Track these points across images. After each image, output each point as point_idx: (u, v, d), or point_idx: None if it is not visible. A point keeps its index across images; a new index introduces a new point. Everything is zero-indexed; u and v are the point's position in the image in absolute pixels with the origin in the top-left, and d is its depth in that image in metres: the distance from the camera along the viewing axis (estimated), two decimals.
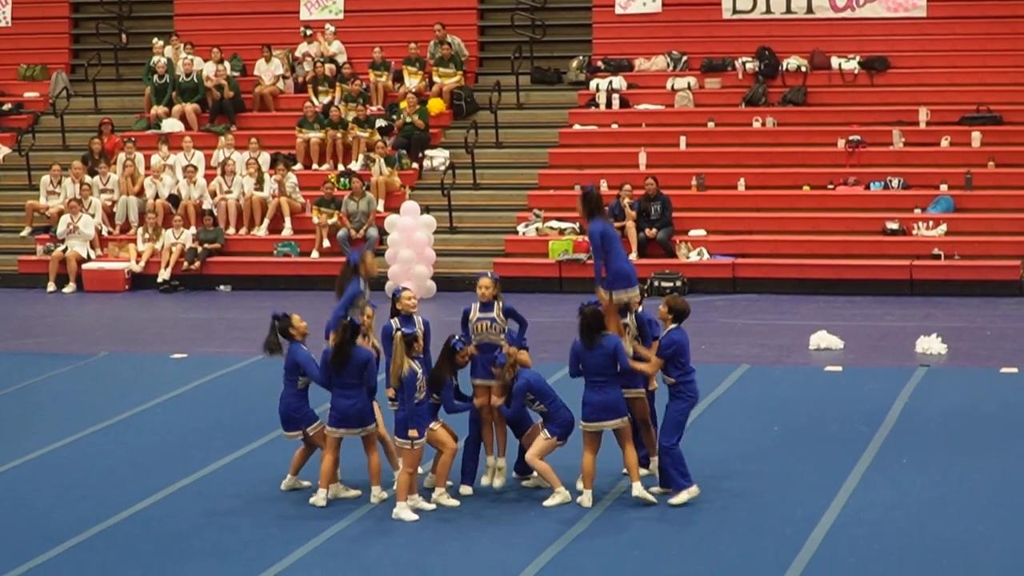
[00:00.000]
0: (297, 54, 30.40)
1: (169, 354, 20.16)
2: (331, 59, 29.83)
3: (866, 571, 11.40)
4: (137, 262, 26.64)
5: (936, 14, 28.35)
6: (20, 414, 17.25)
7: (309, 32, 30.33)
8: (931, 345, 19.32)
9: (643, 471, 13.40)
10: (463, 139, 27.87)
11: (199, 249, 26.60)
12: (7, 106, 31.45)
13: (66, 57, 32.47)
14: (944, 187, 25.62)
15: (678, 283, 23.92)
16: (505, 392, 13.34)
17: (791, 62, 28.37)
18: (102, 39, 32.12)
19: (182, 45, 30.33)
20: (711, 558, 11.74)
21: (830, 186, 26.11)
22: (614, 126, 28.04)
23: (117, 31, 32.17)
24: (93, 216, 27.21)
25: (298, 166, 28.12)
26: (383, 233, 25.42)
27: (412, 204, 25.17)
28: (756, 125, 27.60)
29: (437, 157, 27.89)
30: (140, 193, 27.84)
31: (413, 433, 12.81)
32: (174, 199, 27.47)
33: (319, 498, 13.22)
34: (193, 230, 26.92)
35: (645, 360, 13.21)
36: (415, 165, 27.88)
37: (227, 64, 30.12)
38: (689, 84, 28.58)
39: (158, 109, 29.83)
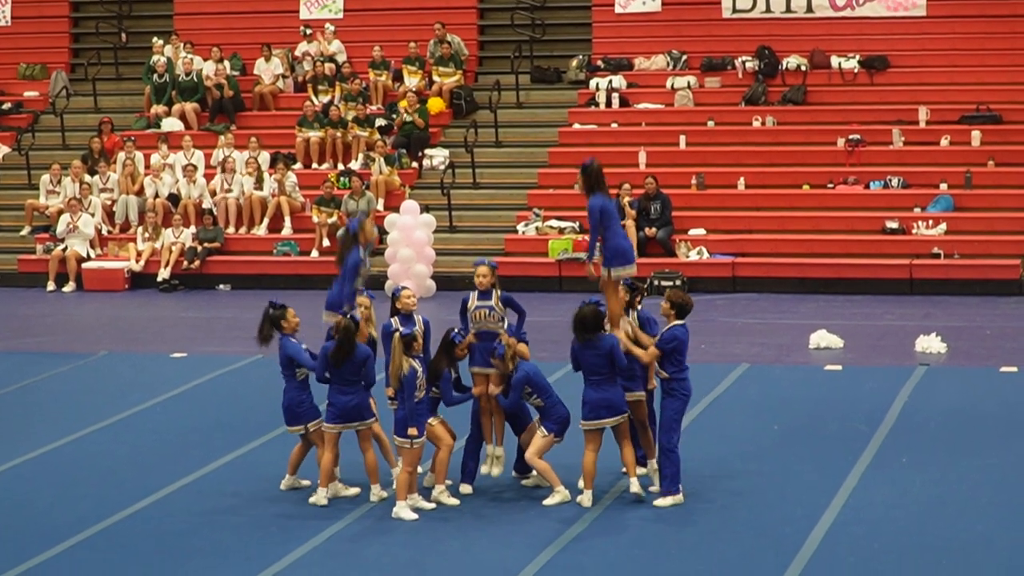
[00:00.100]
0: (297, 53, 30.41)
1: (169, 353, 20.16)
2: (331, 58, 29.83)
3: (866, 570, 11.40)
4: (137, 261, 26.65)
5: (936, 13, 28.37)
6: (20, 413, 17.25)
7: (309, 31, 30.33)
8: (931, 344, 19.33)
9: (640, 469, 13.38)
10: (463, 138, 27.88)
11: (199, 248, 26.61)
12: (7, 105, 31.46)
13: (66, 56, 32.49)
14: (944, 186, 25.63)
15: (678, 282, 23.92)
16: (503, 382, 13.33)
17: (791, 61, 28.39)
18: (102, 38, 32.13)
19: (182, 44, 30.33)
20: (711, 557, 11.73)
21: (830, 185, 26.11)
22: (614, 125, 28.04)
23: (117, 30, 32.18)
24: (93, 215, 27.21)
25: (298, 165, 28.13)
26: (383, 232, 25.41)
27: (412, 203, 25.18)
28: (756, 124, 27.61)
29: (437, 156, 27.90)
30: (140, 192, 27.85)
31: (413, 432, 12.80)
32: (174, 198, 27.47)
33: (319, 497, 13.22)
34: (193, 229, 26.93)
35: (644, 347, 13.13)
36: (415, 164, 27.89)
37: (227, 63, 30.12)
38: (689, 83, 28.59)
39: (158, 108, 29.84)
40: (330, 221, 26.13)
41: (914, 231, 24.86)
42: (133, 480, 14.09)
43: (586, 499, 13.02)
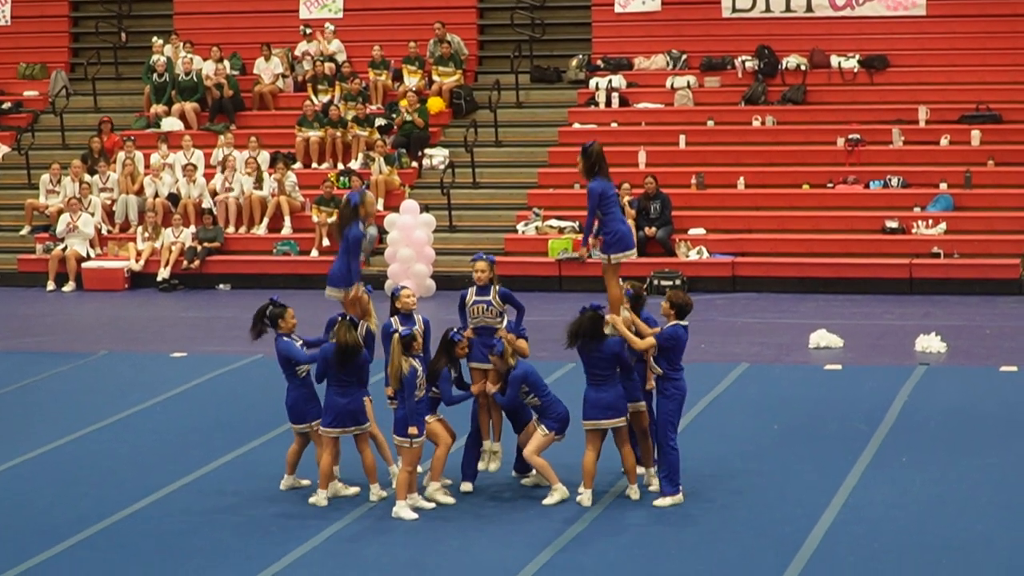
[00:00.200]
0: (297, 53, 30.40)
1: (169, 353, 20.16)
2: (331, 58, 29.83)
3: (866, 569, 11.40)
4: (137, 261, 26.65)
5: (935, 13, 28.36)
6: (20, 413, 17.25)
7: (309, 31, 30.33)
8: (930, 343, 19.33)
9: (640, 469, 13.38)
10: (463, 138, 27.88)
11: (199, 248, 26.61)
12: (7, 105, 31.45)
13: (66, 56, 32.48)
14: (943, 186, 25.63)
15: (677, 282, 23.92)
16: (501, 380, 13.32)
17: (791, 61, 28.38)
18: (102, 38, 32.11)
19: (182, 44, 30.33)
20: (711, 557, 11.73)
21: (830, 185, 26.11)
22: (614, 125, 28.04)
23: (117, 30, 32.17)
24: (93, 215, 27.21)
25: (298, 165, 28.13)
26: (383, 232, 25.41)
27: (412, 203, 25.18)
28: (756, 124, 27.61)
29: (436, 156, 27.90)
30: (140, 192, 27.85)
31: (413, 431, 12.80)
32: (174, 198, 27.47)
33: (320, 498, 13.22)
34: (192, 229, 26.93)
35: (642, 337, 13.09)
36: (414, 164, 27.89)
37: (226, 63, 30.12)
38: (689, 83, 28.59)
39: (158, 108, 29.84)
40: (330, 221, 26.11)
41: (914, 231, 24.85)
42: (133, 480, 14.09)
43: (586, 498, 13.02)
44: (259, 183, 27.31)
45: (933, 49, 28.27)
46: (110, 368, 19.47)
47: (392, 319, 13.31)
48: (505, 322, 13.41)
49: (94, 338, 21.90)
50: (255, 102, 30.01)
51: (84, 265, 26.60)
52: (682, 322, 13.02)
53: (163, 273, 26.42)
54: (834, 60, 28.29)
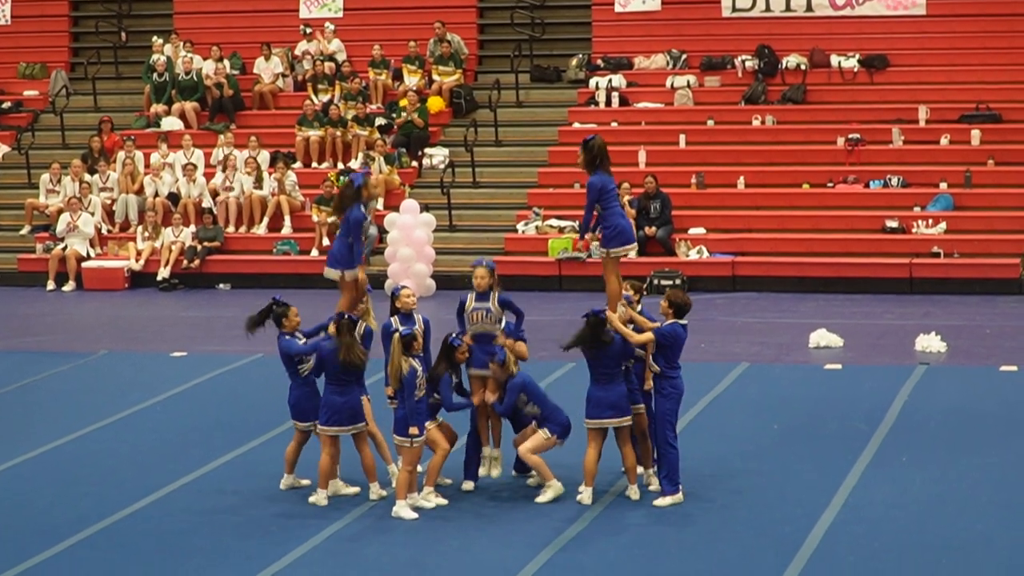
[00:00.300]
0: (297, 52, 30.40)
1: (169, 352, 20.16)
2: (331, 57, 29.83)
3: (866, 569, 11.40)
4: (137, 260, 26.65)
5: (935, 12, 28.36)
6: (20, 412, 17.25)
7: (309, 30, 30.33)
8: (931, 343, 19.33)
9: (640, 469, 13.39)
10: (463, 137, 27.88)
11: (199, 247, 26.61)
12: (7, 104, 31.46)
13: (66, 55, 32.48)
14: (944, 185, 25.63)
15: (677, 281, 23.92)
16: (500, 388, 13.32)
17: (791, 60, 28.38)
18: (102, 37, 32.11)
19: (182, 43, 30.33)
20: (711, 557, 11.73)
21: (830, 184, 26.11)
22: (614, 124, 28.03)
23: (117, 29, 32.17)
24: (93, 214, 27.21)
25: (298, 164, 28.13)
26: (383, 231, 25.41)
27: (412, 202, 25.18)
28: (756, 123, 27.61)
29: (436, 155, 27.90)
30: (140, 191, 27.85)
31: (413, 431, 12.80)
32: (174, 197, 27.48)
33: (319, 498, 13.22)
34: (193, 228, 26.93)
35: (641, 331, 13.09)
36: (415, 163, 27.89)
37: (227, 62, 30.12)
38: (689, 82, 28.59)
39: (158, 107, 29.84)
40: (330, 220, 26.12)
41: (914, 230, 24.85)
42: (133, 479, 14.10)
43: (586, 496, 13.02)
44: (259, 183, 27.31)
45: (933, 49, 28.27)
46: (110, 368, 19.48)
47: (392, 319, 13.31)
48: (504, 324, 13.37)
49: (94, 338, 21.90)
50: (255, 101, 30.01)
51: (84, 265, 26.60)
52: (681, 321, 13.02)
53: (163, 273, 26.43)
54: (834, 60, 28.29)
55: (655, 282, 23.58)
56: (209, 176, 27.77)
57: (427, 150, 28.03)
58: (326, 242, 26.07)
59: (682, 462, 13.04)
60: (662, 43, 29.40)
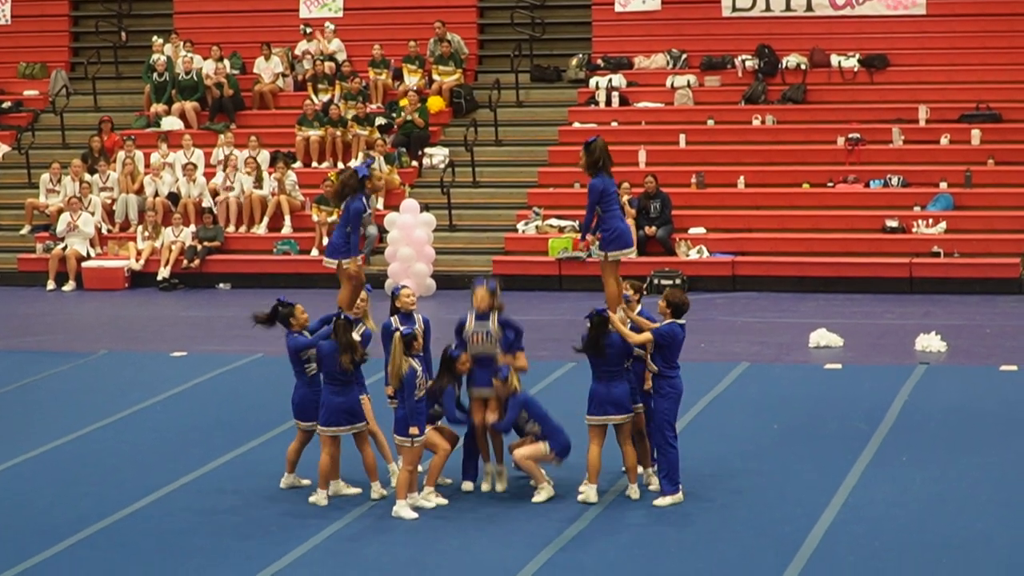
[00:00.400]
0: (297, 52, 30.40)
1: (169, 352, 20.16)
2: (331, 57, 29.83)
3: (866, 569, 11.40)
4: (137, 260, 26.65)
5: (935, 12, 28.36)
6: (20, 412, 17.26)
7: (309, 30, 30.33)
8: (931, 343, 19.33)
9: (640, 469, 13.39)
10: (463, 137, 27.87)
11: (199, 247, 26.61)
12: (7, 104, 31.46)
13: (66, 55, 32.49)
14: (944, 185, 25.63)
15: (677, 281, 23.92)
16: (500, 407, 13.29)
17: (791, 60, 28.38)
18: (102, 37, 32.12)
19: (182, 43, 30.33)
20: (711, 557, 11.73)
21: (830, 184, 26.11)
22: (614, 124, 28.03)
23: (117, 29, 32.17)
24: (93, 214, 27.21)
25: (298, 164, 28.13)
26: (383, 231, 25.42)
27: (412, 202, 25.18)
28: (756, 123, 27.61)
29: (437, 155, 27.90)
30: (140, 191, 27.86)
31: (414, 431, 12.80)
32: (174, 197, 27.48)
33: (319, 497, 13.22)
34: (193, 228, 26.93)
35: (640, 331, 13.09)
36: (415, 163, 27.90)
37: (227, 62, 30.12)
38: (689, 82, 28.59)
39: (158, 107, 29.84)
40: (330, 220, 26.12)
41: (914, 230, 24.85)
42: (133, 479, 14.10)
43: (592, 494, 13.01)
44: (259, 182, 27.31)
45: (933, 48, 28.27)
46: (110, 367, 19.48)
47: (392, 318, 13.31)
48: (502, 339, 13.28)
49: (94, 337, 21.90)
50: (255, 101, 30.02)
51: (84, 264, 26.60)
52: (679, 321, 13.03)
53: (163, 272, 26.43)
54: (834, 59, 28.29)
55: (655, 282, 23.56)
56: (209, 176, 27.77)
57: (427, 150, 28.03)
58: (326, 241, 26.01)
59: (682, 462, 13.04)
60: (662, 43, 29.40)
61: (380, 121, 28.40)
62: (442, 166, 27.59)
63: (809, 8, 28.85)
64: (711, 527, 12.42)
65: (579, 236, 24.80)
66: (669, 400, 12.98)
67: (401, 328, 12.97)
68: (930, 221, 24.84)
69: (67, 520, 12.89)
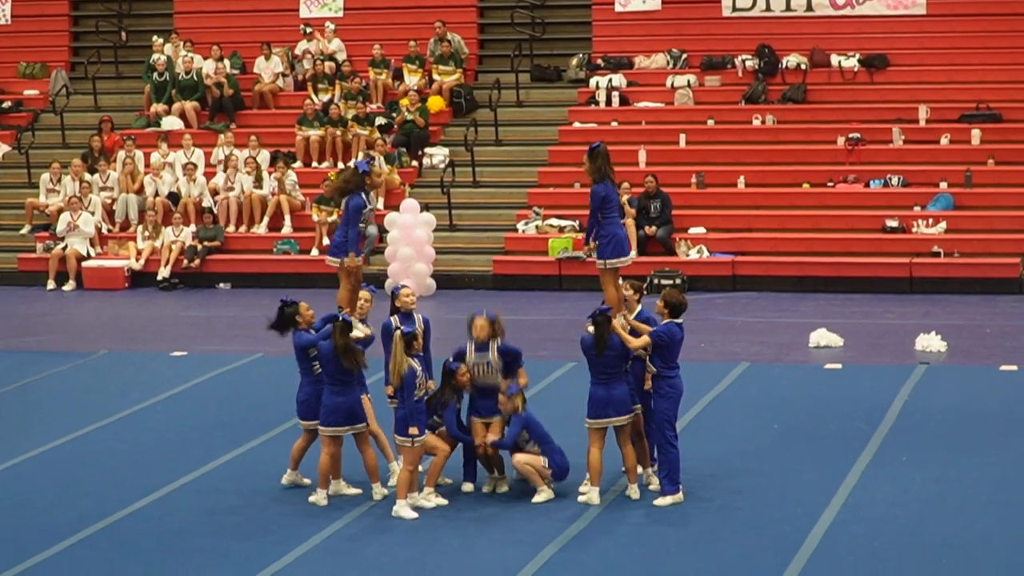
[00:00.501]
0: (297, 52, 30.39)
1: (169, 352, 20.16)
2: (331, 57, 29.83)
3: (866, 569, 11.40)
4: (137, 260, 26.64)
5: (936, 12, 28.35)
6: (20, 412, 17.26)
7: (309, 30, 30.33)
8: (931, 343, 19.33)
9: (639, 469, 13.39)
10: (463, 137, 27.87)
11: (199, 247, 26.60)
12: (7, 104, 31.45)
13: (66, 55, 32.48)
14: (944, 185, 25.62)
15: (678, 280, 23.92)
16: (501, 428, 13.29)
17: (791, 60, 28.38)
18: (102, 37, 32.11)
19: (182, 43, 30.33)
20: (711, 557, 11.74)
21: (830, 184, 26.10)
22: (614, 124, 28.03)
23: (117, 29, 32.17)
24: (93, 214, 27.21)
25: (298, 164, 28.13)
26: (383, 231, 25.41)
27: (412, 202, 25.18)
28: (756, 123, 27.61)
29: (437, 155, 27.90)
30: (140, 191, 27.85)
31: (414, 431, 12.80)
32: (174, 197, 27.48)
33: (319, 497, 13.22)
34: (193, 228, 26.92)
35: (638, 335, 13.11)
36: (415, 163, 27.89)
37: (227, 62, 30.12)
38: (689, 82, 28.58)
39: (158, 107, 29.84)
40: (330, 220, 26.12)
41: (914, 230, 24.84)
42: (133, 479, 14.10)
43: (594, 496, 13.01)
44: (259, 182, 27.31)
45: (933, 48, 28.26)
46: (110, 367, 19.48)
47: (392, 318, 13.31)
48: (508, 388, 13.27)
49: (94, 337, 21.90)
50: (255, 101, 30.02)
51: (84, 264, 26.60)
52: (677, 320, 13.04)
53: (163, 272, 26.42)
54: (834, 59, 28.29)
55: (655, 282, 23.55)
56: (209, 176, 27.77)
57: (427, 149, 28.03)
58: (326, 241, 26.04)
59: (682, 462, 13.04)
60: (662, 43, 29.39)
61: (380, 121, 28.40)
62: (442, 166, 27.59)
63: (809, 8, 28.85)
64: (711, 527, 12.43)
65: (579, 237, 24.94)
66: (669, 400, 12.99)
67: (401, 327, 12.97)
68: (930, 221, 24.83)
69: (67, 520, 12.89)
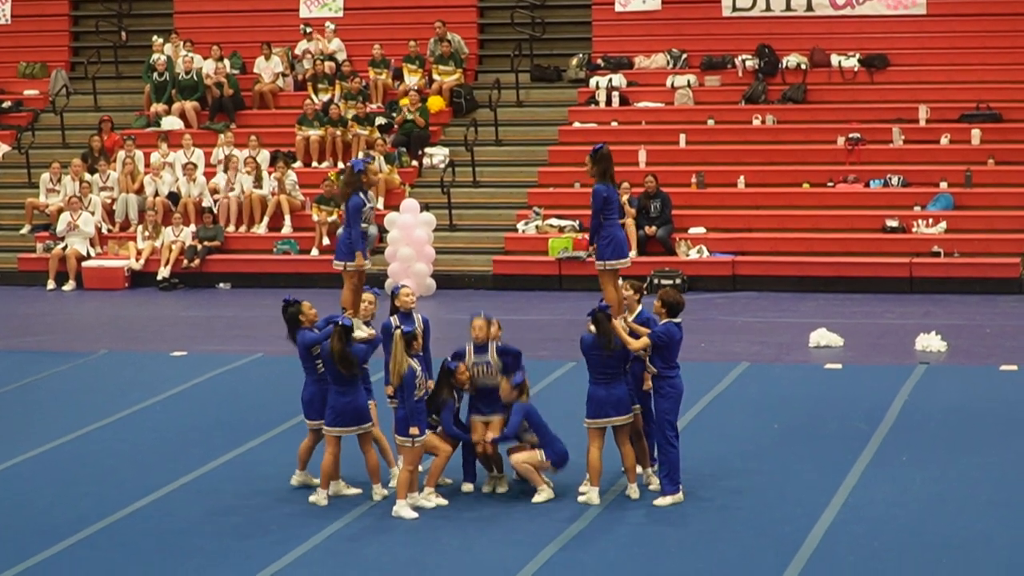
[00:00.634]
0: (297, 52, 30.40)
1: (169, 352, 20.16)
2: (331, 57, 29.83)
3: (866, 569, 11.40)
4: (137, 260, 26.64)
5: (936, 11, 28.35)
6: (20, 412, 17.26)
7: (309, 30, 30.33)
8: (931, 342, 19.33)
9: (639, 469, 13.39)
10: (463, 137, 27.87)
11: (199, 247, 26.60)
12: (7, 104, 31.45)
13: (66, 55, 32.48)
14: (944, 185, 25.62)
15: (678, 280, 23.92)
16: (501, 425, 13.29)
17: (791, 60, 28.38)
18: (102, 37, 32.11)
19: (182, 43, 30.33)
20: (711, 557, 11.74)
21: (830, 184, 26.10)
22: (614, 124, 28.03)
23: (117, 29, 32.17)
24: (93, 214, 27.21)
25: (298, 164, 28.13)
26: (383, 231, 25.41)
27: (412, 202, 25.18)
28: (756, 123, 27.61)
29: (437, 155, 27.90)
30: (140, 191, 27.85)
31: (414, 431, 12.80)
32: (174, 197, 27.48)
33: (320, 497, 13.22)
34: (193, 228, 26.92)
35: (637, 336, 13.12)
36: (415, 163, 27.89)
37: (227, 62, 30.12)
38: (689, 82, 28.58)
39: (158, 107, 29.84)
40: (330, 219, 26.12)
41: (914, 230, 24.84)
42: (133, 479, 14.10)
43: (594, 496, 13.01)
44: (259, 182, 27.31)
45: (933, 48, 28.26)
46: (110, 367, 19.48)
47: (392, 318, 13.32)
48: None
49: (94, 337, 21.90)
50: (255, 101, 30.02)
51: (84, 264, 26.60)
52: (675, 320, 13.05)
53: (163, 272, 26.42)
54: (834, 59, 28.29)
55: (655, 281, 23.54)
56: (209, 175, 27.77)
57: (427, 149, 28.03)
58: (326, 241, 26.06)
59: (682, 462, 13.04)
60: (662, 43, 29.39)
61: (380, 121, 28.40)
62: (442, 166, 27.59)
63: (809, 8, 28.85)
64: (711, 527, 12.43)
65: (579, 237, 24.94)
66: (670, 400, 12.99)
67: (401, 327, 12.97)
68: (930, 221, 24.83)
69: (67, 520, 12.89)
